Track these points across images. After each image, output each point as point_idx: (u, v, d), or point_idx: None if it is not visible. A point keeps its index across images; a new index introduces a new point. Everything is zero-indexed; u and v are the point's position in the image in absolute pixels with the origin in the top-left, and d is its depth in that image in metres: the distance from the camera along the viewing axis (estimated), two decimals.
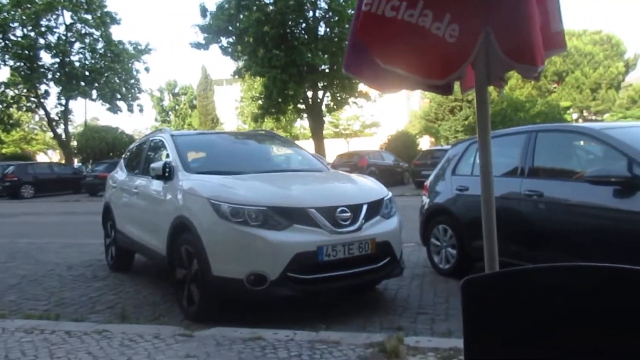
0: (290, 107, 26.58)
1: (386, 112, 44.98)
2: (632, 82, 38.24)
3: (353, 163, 20.85)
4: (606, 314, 0.85)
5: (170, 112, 59.46)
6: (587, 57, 35.81)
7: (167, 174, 4.79)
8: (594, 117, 35.94)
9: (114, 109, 34.33)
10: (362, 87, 26.27)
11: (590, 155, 4.87)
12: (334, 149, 31.42)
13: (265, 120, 28.47)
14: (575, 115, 36.10)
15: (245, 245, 3.88)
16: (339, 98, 26.89)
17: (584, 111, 36.54)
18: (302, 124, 43.99)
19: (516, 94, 29.64)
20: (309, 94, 26.17)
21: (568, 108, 33.17)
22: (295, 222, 3.94)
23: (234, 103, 52.26)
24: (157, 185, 5.07)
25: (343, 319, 4.09)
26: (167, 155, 5.16)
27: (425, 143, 35.99)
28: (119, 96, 34.36)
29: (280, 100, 24.79)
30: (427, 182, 6.25)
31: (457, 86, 2.08)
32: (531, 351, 0.91)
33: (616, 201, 3.85)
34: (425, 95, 40.14)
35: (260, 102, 27.53)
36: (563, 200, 4.36)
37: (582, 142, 4.91)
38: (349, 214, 4.07)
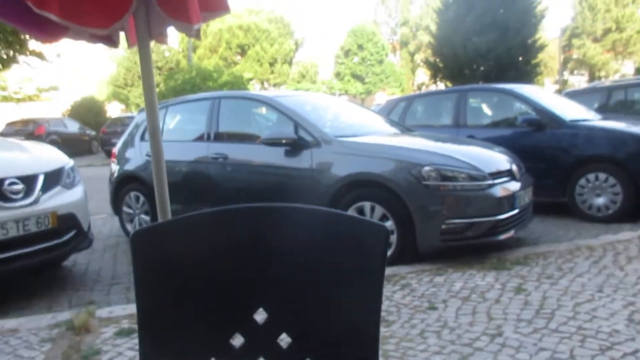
0: None
1: (68, 76, 40.50)
2: (301, 60, 43.92)
3: (29, 131, 18.35)
4: (269, 250, 0.99)
5: None
6: (265, 34, 39.37)
7: None
8: (273, 89, 40.01)
9: None
10: (35, 44, 22.88)
11: (268, 122, 5.45)
12: (3, 115, 26.76)
13: None
14: (257, 87, 39.47)
15: None
16: (4, 56, 22.80)
17: (265, 83, 40.30)
18: None
19: (205, 63, 30.56)
20: None
21: (251, 79, 36.01)
22: None
23: None
24: None
25: (23, 304, 3.64)
26: None
27: (114, 110, 34.05)
28: None
29: None
30: (115, 149, 5.98)
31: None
32: (199, 294, 0.99)
33: (286, 160, 4.43)
34: (113, 60, 37.70)
35: None
36: (245, 162, 4.79)
37: (260, 109, 5.45)
38: (21, 186, 3.58)
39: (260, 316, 0.98)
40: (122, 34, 1.93)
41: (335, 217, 0.93)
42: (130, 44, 1.96)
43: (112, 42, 1.91)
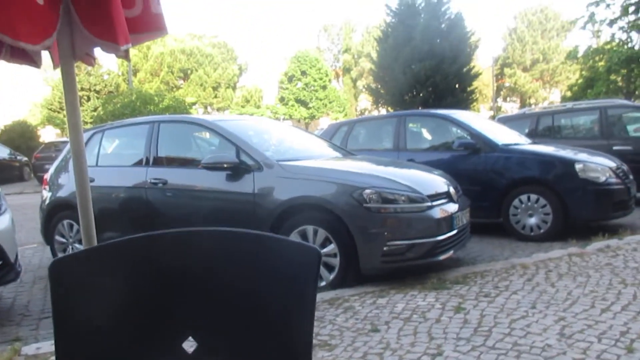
0: None
1: None
2: (245, 84, 43.94)
3: None
4: (196, 276, 0.95)
5: None
6: (208, 58, 39.23)
7: None
8: (217, 113, 39.66)
9: None
10: None
11: (209, 146, 5.37)
12: None
13: None
14: (201, 111, 39.04)
15: None
16: None
17: (208, 107, 39.95)
18: None
19: (145, 87, 29.97)
20: None
21: (194, 103, 35.59)
22: None
23: None
24: None
25: None
26: None
27: (49, 134, 32.68)
28: None
29: None
30: (47, 175, 5.71)
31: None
32: (123, 325, 0.94)
33: (228, 184, 4.38)
34: (48, 83, 36.33)
35: None
36: (186, 187, 4.68)
37: (202, 133, 5.37)
38: None
39: (189, 345, 0.95)
40: (45, 54, 1.85)
41: (265, 240, 0.92)
42: (55, 65, 1.88)
43: (34, 62, 1.82)
